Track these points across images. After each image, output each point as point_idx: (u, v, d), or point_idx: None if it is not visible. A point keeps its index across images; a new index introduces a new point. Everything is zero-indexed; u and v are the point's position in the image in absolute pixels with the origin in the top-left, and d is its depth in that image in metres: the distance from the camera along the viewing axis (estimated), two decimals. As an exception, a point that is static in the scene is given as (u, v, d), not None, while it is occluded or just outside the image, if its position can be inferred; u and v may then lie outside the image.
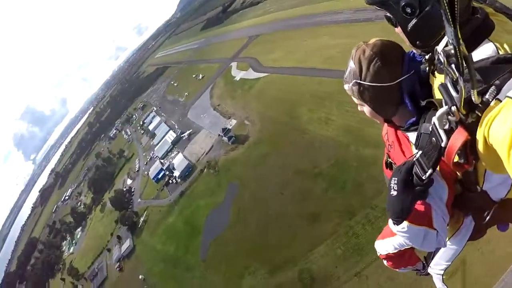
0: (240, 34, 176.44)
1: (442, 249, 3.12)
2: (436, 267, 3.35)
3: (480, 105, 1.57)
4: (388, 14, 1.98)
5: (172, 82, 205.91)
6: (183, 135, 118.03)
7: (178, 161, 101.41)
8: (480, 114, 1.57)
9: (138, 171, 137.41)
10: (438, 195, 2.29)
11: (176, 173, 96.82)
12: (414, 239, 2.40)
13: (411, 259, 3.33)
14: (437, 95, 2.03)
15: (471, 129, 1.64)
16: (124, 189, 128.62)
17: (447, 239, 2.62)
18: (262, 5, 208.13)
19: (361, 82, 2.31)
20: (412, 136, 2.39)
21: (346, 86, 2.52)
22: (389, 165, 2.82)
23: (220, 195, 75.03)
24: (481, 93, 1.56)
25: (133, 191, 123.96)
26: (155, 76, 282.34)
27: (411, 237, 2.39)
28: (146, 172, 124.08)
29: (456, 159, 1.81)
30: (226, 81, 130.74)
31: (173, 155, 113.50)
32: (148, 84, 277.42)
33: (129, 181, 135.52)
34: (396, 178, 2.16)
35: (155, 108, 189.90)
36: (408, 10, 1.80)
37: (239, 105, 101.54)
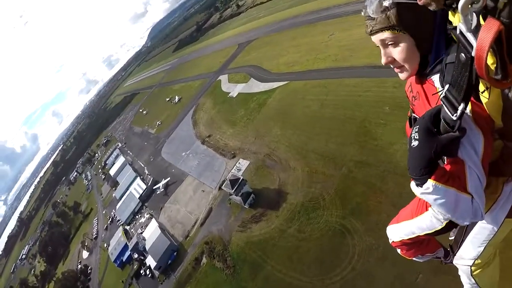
0: (225, 44, 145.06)
1: (473, 231, 2.60)
2: (465, 256, 2.74)
3: None
4: None
5: (140, 110, 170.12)
6: (156, 186, 76.49)
7: (152, 235, 60.57)
8: None
9: (96, 238, 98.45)
10: (472, 145, 1.91)
11: (150, 261, 55.24)
12: (443, 204, 1.94)
13: (429, 246, 2.91)
14: None
15: (504, 17, 1.35)
16: (78, 267, 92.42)
17: (484, 209, 2.06)
18: (245, 14, 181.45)
19: (401, 1, 1.96)
20: (437, 78, 2.13)
21: (377, 23, 2.11)
22: (413, 121, 2.41)
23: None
24: None
25: (90, 271, 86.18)
26: (122, 106, 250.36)
27: (439, 202, 1.95)
28: (105, 245, 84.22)
29: (491, 73, 1.51)
30: (215, 100, 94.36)
31: (143, 220, 71.74)
32: (115, 115, 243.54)
33: (84, 254, 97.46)
34: (417, 126, 1.89)
35: (119, 144, 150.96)
36: None
37: (247, 134, 63.27)
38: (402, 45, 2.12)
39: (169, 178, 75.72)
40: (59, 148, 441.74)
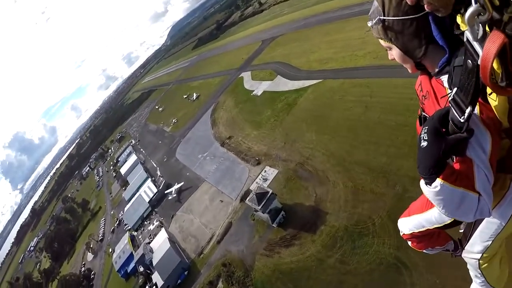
0: (247, 41, 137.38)
1: (481, 226, 2.67)
2: (472, 249, 2.79)
3: None
4: None
5: (156, 107, 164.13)
6: (168, 191, 69.47)
7: (160, 248, 53.56)
8: None
9: (101, 240, 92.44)
10: (480, 144, 1.95)
11: (157, 278, 48.32)
12: (448, 202, 2.02)
13: (439, 239, 2.97)
14: None
15: (509, 30, 1.35)
16: (82, 269, 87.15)
17: (491, 206, 2.12)
18: (268, 12, 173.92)
19: (384, 17, 2.16)
20: (446, 79, 2.16)
21: (373, 32, 2.37)
22: (423, 120, 2.51)
23: None
24: None
25: (93, 277, 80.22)
26: (139, 102, 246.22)
27: (444, 201, 2.01)
28: (111, 250, 78.04)
29: (497, 78, 1.51)
30: (237, 98, 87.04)
31: (151, 227, 64.84)
32: (131, 111, 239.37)
33: (89, 256, 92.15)
34: (426, 127, 1.93)
35: (132, 141, 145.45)
36: None
37: (275, 138, 55.56)
38: (393, 51, 2.33)
39: (182, 183, 68.21)
40: (76, 142, 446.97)
